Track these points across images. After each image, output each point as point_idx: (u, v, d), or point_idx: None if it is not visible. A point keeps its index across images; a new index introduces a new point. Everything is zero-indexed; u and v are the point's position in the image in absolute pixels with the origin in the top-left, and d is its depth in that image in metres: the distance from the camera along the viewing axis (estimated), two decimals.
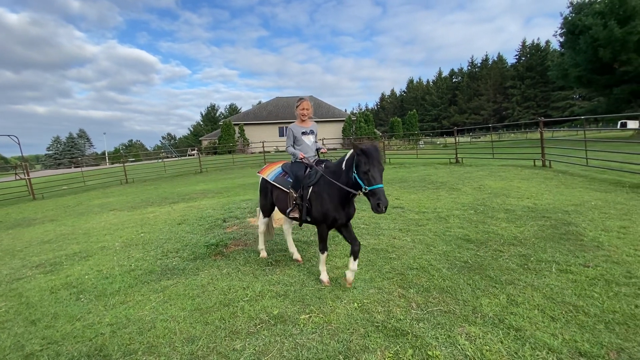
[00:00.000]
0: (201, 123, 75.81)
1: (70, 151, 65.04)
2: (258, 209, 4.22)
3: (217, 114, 75.09)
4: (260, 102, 54.47)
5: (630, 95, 23.72)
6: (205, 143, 38.68)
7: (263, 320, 2.70)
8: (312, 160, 3.43)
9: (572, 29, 24.15)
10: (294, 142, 3.58)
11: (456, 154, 13.64)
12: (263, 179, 3.80)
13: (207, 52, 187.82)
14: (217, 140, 34.93)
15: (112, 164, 41.50)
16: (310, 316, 2.71)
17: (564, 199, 5.88)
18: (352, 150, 2.87)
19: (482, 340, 2.26)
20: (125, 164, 18.31)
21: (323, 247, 3.26)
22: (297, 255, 3.93)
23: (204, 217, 6.48)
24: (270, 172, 3.70)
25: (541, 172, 9.17)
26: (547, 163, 10.07)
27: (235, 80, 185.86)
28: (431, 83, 78.02)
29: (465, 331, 2.37)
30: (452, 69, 76.80)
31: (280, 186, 3.50)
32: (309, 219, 3.22)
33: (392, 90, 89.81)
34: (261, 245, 4.11)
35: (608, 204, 5.36)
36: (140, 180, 16.90)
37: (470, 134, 37.98)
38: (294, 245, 4.03)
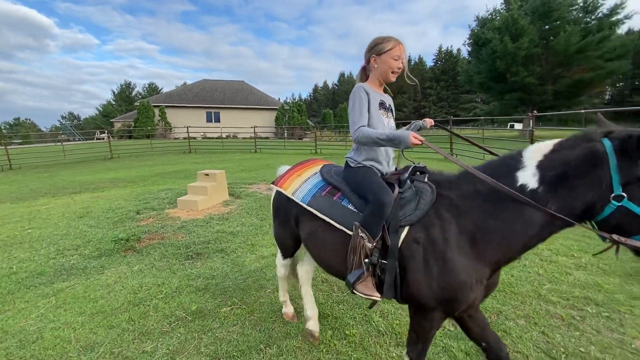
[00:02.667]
0: (113, 102, 66.42)
1: None
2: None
3: (134, 94, 66.57)
4: (185, 84, 50.12)
5: (517, 101, 28.42)
6: (117, 125, 34.14)
7: (179, 317, 2.52)
8: (404, 171, 1.66)
9: (477, 41, 27.78)
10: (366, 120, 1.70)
11: None
12: (279, 193, 2.05)
13: (120, 20, 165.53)
14: (132, 123, 31.13)
15: None
16: (232, 308, 2.63)
17: None
18: (556, 141, 1.34)
19: (393, 315, 2.49)
20: (9, 147, 15.07)
21: None
22: (312, 326, 2.24)
23: (113, 208, 5.74)
24: (300, 185, 1.92)
25: (450, 165, 10.42)
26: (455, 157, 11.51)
27: (155, 57, 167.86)
28: None
29: (380, 309, 2.57)
30: None
31: (328, 219, 1.71)
32: (396, 298, 1.54)
33: (325, 83, 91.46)
34: (282, 296, 2.52)
35: None
36: (31, 167, 14.14)
37: None
38: (311, 298, 2.34)
